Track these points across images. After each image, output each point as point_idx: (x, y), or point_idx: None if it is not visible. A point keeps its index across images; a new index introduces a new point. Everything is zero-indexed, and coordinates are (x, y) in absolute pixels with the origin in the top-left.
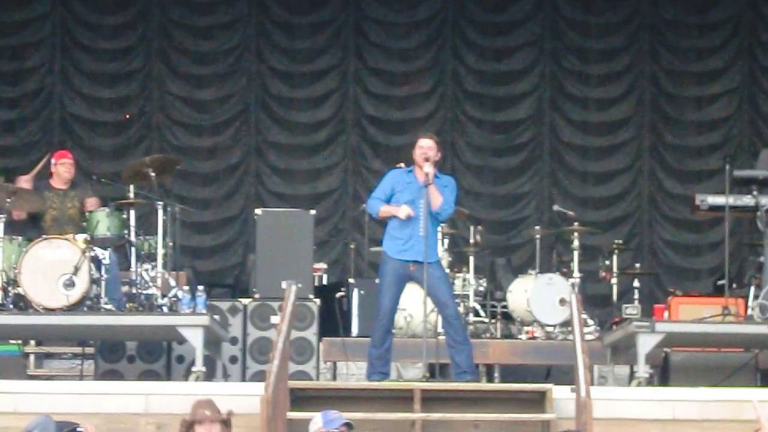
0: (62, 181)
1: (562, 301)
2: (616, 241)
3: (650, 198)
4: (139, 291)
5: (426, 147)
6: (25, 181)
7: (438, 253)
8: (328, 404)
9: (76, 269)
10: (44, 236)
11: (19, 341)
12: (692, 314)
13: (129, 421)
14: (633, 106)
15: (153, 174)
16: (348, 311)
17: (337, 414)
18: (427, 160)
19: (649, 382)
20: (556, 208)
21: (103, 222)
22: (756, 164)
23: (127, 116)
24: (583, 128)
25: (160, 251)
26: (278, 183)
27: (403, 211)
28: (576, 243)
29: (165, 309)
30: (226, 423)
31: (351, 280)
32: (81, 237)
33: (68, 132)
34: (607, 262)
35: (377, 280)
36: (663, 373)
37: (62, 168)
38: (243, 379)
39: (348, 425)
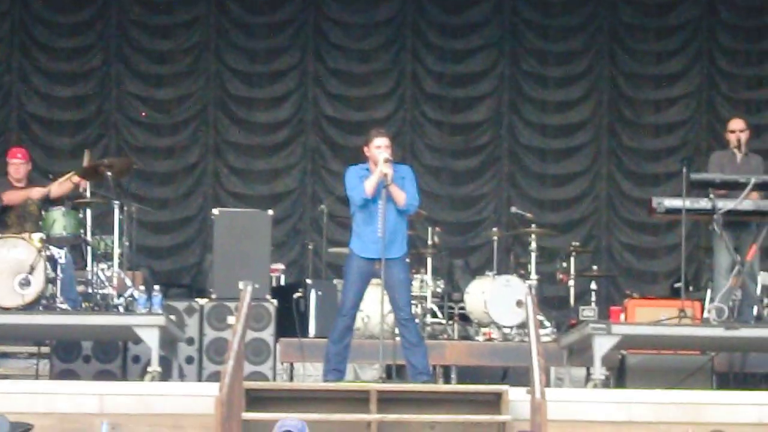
0: (16, 180)
1: (519, 303)
2: (573, 243)
3: (608, 200)
4: (95, 291)
5: (384, 146)
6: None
7: (405, 249)
8: (284, 405)
9: (32, 268)
10: None
11: None
12: (649, 317)
13: (84, 421)
14: (591, 108)
15: (110, 173)
16: (305, 312)
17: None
18: (386, 160)
19: (605, 384)
20: (514, 210)
21: (59, 221)
22: (708, 167)
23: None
24: (542, 131)
25: (117, 251)
26: (236, 183)
27: (380, 168)
28: (533, 245)
29: (121, 309)
30: None
31: (309, 281)
32: (37, 236)
33: (26, 131)
34: (565, 264)
35: (335, 281)
36: (619, 375)
37: (12, 168)
38: (199, 380)
39: None
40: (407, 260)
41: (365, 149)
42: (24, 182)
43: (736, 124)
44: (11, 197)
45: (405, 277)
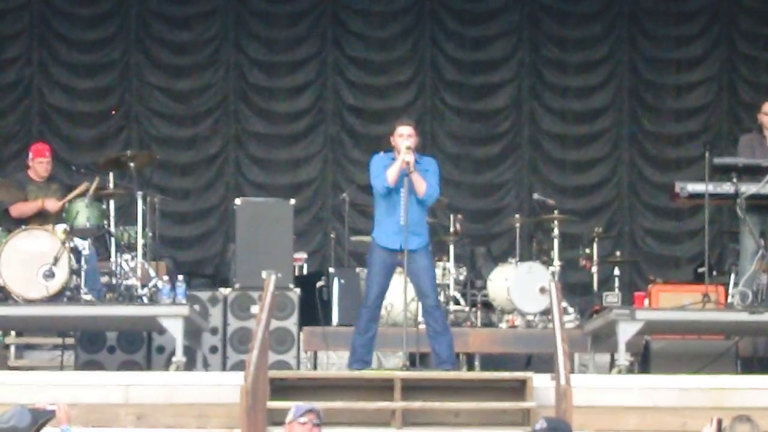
0: (40, 177)
1: (542, 290)
2: (596, 229)
3: (630, 186)
4: (119, 281)
5: (406, 134)
6: (52, 205)
7: (426, 239)
8: (309, 394)
9: (56, 260)
10: (24, 227)
11: None
12: (672, 302)
13: (109, 411)
14: (612, 94)
15: (132, 164)
16: (328, 301)
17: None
18: (408, 148)
19: (630, 369)
20: (535, 196)
21: (83, 212)
22: (736, 151)
23: (113, 111)
24: (562, 117)
25: (140, 241)
26: (258, 173)
27: (402, 156)
28: (556, 231)
29: (145, 299)
30: None
31: (331, 270)
32: (61, 227)
33: (47, 123)
34: (587, 251)
35: (358, 270)
36: (643, 361)
37: (40, 167)
38: (223, 369)
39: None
40: (429, 249)
41: (391, 138)
42: (45, 181)
43: None
44: (23, 209)
45: (428, 264)
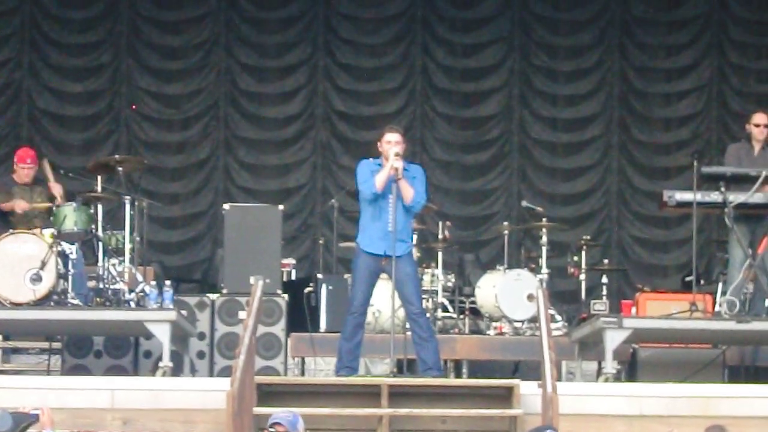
0: (23, 180)
1: (530, 297)
2: (584, 237)
3: (618, 194)
4: (107, 286)
5: (394, 141)
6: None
7: (411, 246)
8: (296, 400)
9: (43, 264)
10: (11, 231)
11: None
12: (660, 310)
13: (95, 416)
14: (602, 102)
15: (120, 168)
16: (316, 307)
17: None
18: (396, 155)
19: (617, 377)
20: (524, 204)
21: (71, 217)
22: (723, 160)
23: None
24: (552, 125)
25: (128, 246)
26: (247, 178)
27: (391, 163)
28: (544, 239)
29: (132, 304)
30: None
31: (319, 276)
32: (48, 231)
33: (36, 126)
34: (576, 258)
35: (346, 276)
36: (630, 369)
37: (23, 172)
38: (211, 375)
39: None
40: (413, 255)
41: (378, 144)
42: (33, 178)
43: (761, 118)
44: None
45: (413, 271)
